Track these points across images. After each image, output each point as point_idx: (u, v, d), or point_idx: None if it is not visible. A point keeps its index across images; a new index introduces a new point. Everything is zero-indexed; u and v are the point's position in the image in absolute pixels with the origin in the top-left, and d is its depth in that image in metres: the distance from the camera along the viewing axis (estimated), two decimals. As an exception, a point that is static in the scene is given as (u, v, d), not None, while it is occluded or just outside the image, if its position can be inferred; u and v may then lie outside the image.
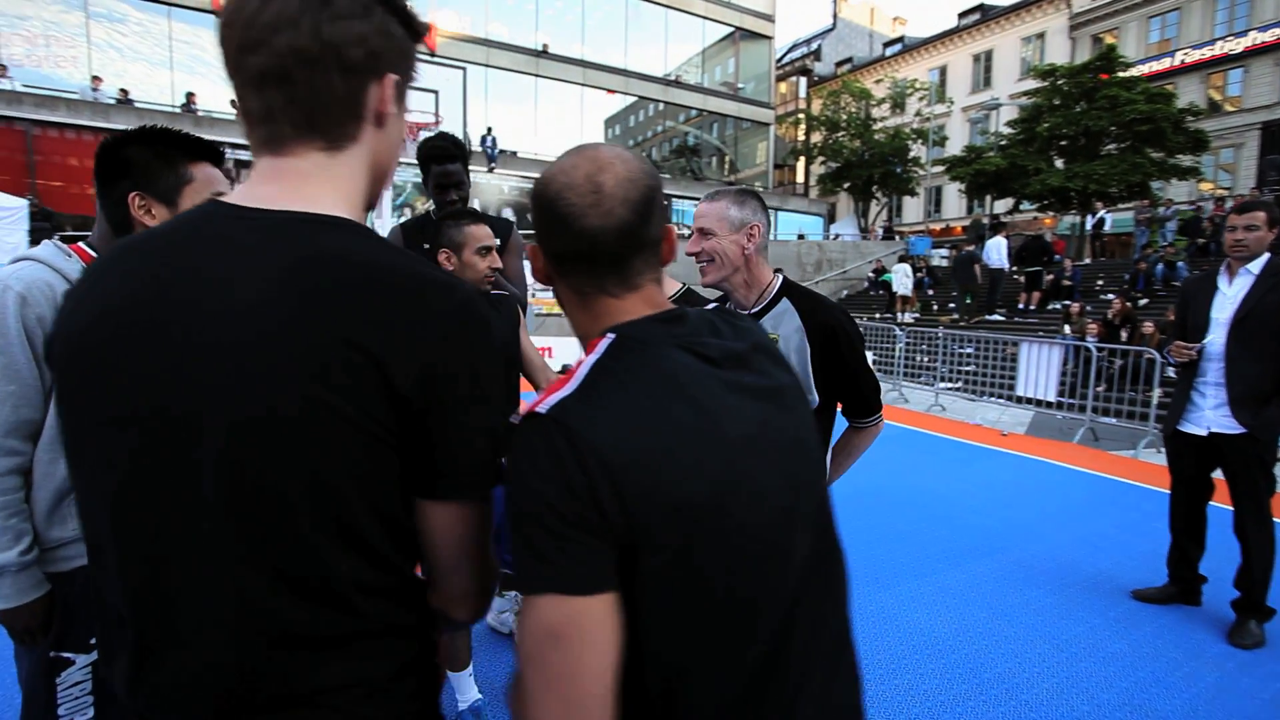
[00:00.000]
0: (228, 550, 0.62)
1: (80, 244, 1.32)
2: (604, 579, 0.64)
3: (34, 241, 10.27)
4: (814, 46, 38.48)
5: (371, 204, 0.77)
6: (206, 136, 1.32)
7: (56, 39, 16.69)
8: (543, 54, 23.11)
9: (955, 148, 25.03)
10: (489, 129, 20.63)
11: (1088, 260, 17.59)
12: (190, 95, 17.24)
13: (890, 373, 10.06)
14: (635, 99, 26.16)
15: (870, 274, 19.23)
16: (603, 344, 0.74)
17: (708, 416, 0.70)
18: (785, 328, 1.65)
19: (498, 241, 2.12)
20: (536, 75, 23.24)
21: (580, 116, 24.58)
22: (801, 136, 30.71)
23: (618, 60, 24.87)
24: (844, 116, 26.46)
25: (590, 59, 24.18)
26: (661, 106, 26.87)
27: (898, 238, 24.87)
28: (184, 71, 17.99)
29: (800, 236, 23.89)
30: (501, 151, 20.95)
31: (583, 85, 24.25)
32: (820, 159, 28.10)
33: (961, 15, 31.12)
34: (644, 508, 0.64)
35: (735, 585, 0.69)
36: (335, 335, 0.60)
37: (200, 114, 17.06)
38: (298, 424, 0.60)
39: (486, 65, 21.96)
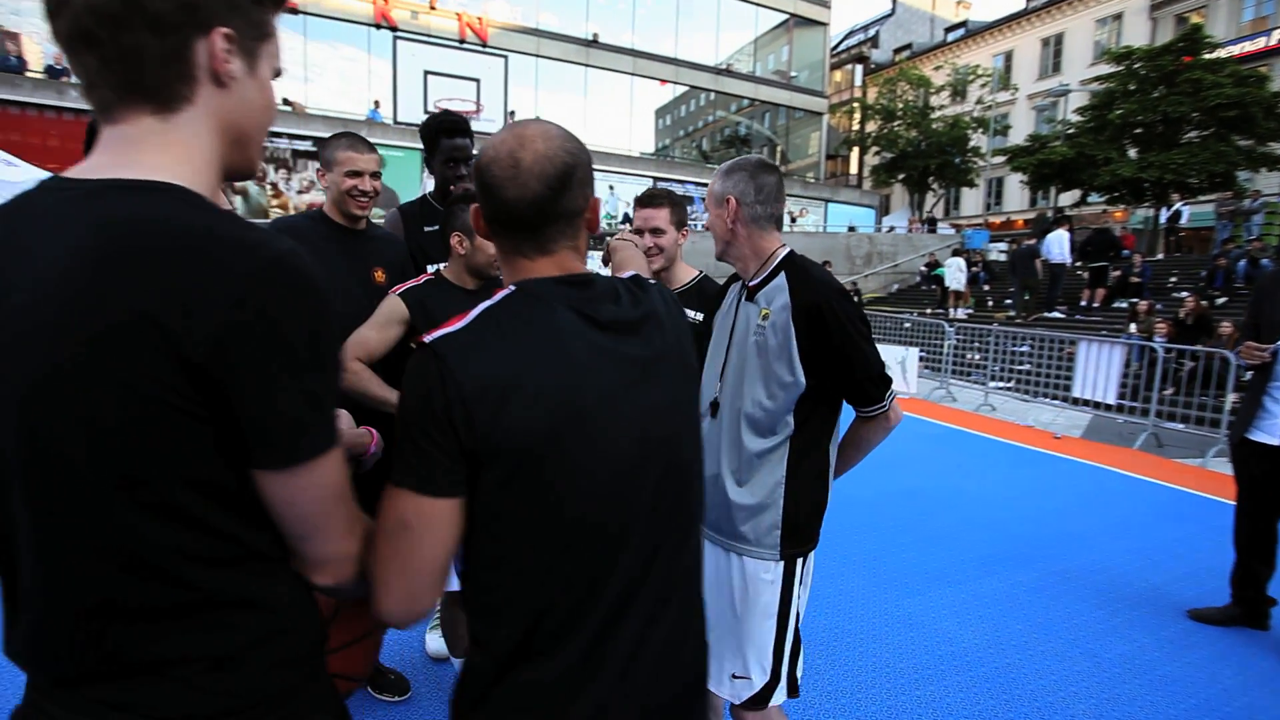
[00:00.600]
0: (42, 519, 0.62)
1: None
2: (450, 487, 0.78)
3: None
4: (871, 33, 37.29)
5: (240, 172, 0.75)
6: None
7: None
8: (593, 43, 23.05)
9: (1018, 137, 23.87)
10: (537, 118, 20.65)
11: (1160, 256, 16.54)
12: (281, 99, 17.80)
13: (938, 370, 9.67)
14: (687, 89, 25.86)
15: (922, 268, 18.57)
16: (501, 294, 0.86)
17: (568, 367, 0.81)
18: (775, 304, 1.54)
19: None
20: (586, 65, 23.20)
21: (630, 106, 24.46)
22: (856, 126, 29.85)
23: (668, 49, 24.62)
24: (900, 105, 25.54)
25: (640, 48, 24.00)
26: (713, 96, 26.49)
27: (954, 230, 23.93)
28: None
29: (850, 229, 23.25)
30: (549, 141, 20.99)
31: (632, 75, 24.09)
32: (874, 149, 27.24)
33: (1031, -4, 29.59)
34: (489, 433, 0.76)
35: (564, 513, 0.81)
36: (125, 303, 0.58)
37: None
38: (79, 391, 0.59)
39: (537, 55, 21.99)
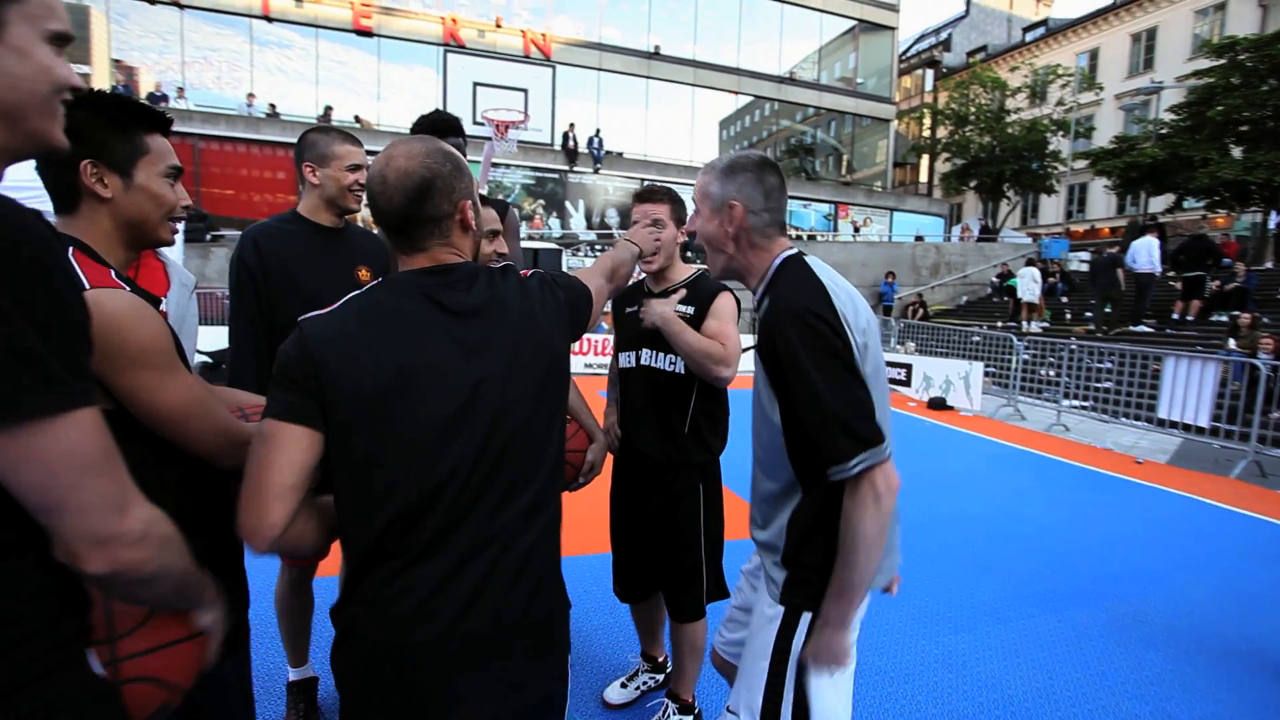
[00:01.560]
0: None
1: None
2: (300, 417, 0.99)
3: (189, 239, 11.63)
4: (943, 36, 36.00)
5: (31, 145, 0.75)
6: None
7: (227, 63, 18.85)
8: (654, 55, 23.16)
9: (1103, 139, 22.42)
10: (597, 130, 20.94)
11: (1269, 265, 15.09)
12: (328, 109, 18.83)
13: (1006, 386, 9.07)
14: (751, 98, 25.62)
15: (994, 279, 17.61)
16: (369, 284, 1.11)
17: (404, 341, 1.03)
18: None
19: (500, 228, 1.98)
20: (648, 77, 23.33)
21: (691, 116, 24.41)
22: (925, 133, 28.78)
23: (730, 59, 24.47)
24: (973, 109, 24.45)
25: (702, 59, 23.96)
26: (777, 106, 26.13)
27: (1030, 239, 22.62)
28: (327, 86, 19.69)
29: (918, 238, 22.35)
30: (608, 152, 21.22)
31: (694, 86, 24.05)
32: (945, 155, 26.17)
33: (1119, -9, 27.83)
34: (329, 387, 0.99)
35: (388, 457, 1.00)
36: None
37: (334, 124, 18.61)
38: None
39: (599, 69, 22.30)
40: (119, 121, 1.13)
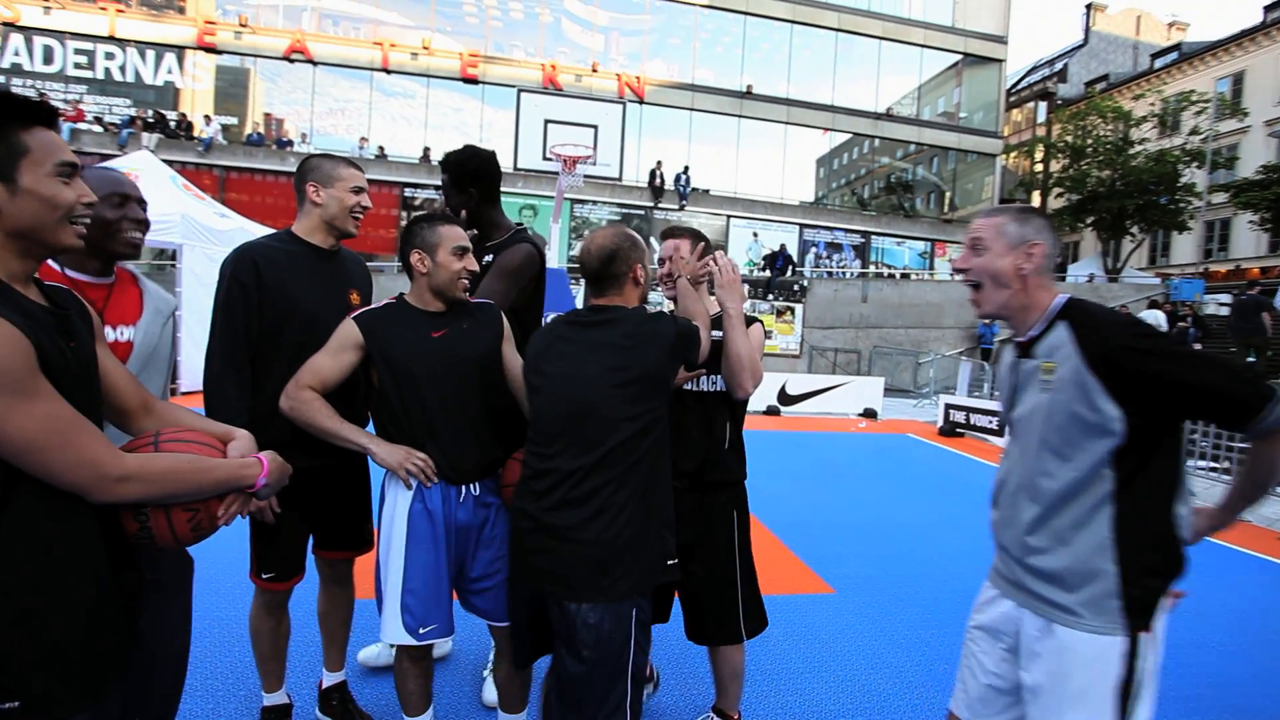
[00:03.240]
0: None
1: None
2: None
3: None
4: (1058, 67, 34.02)
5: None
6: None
7: (350, 111, 20.72)
8: (747, 95, 23.29)
9: (1248, 169, 20.14)
10: (685, 168, 21.19)
11: None
12: (427, 149, 20.23)
13: (1120, 441, 8.06)
14: (849, 136, 25.18)
15: (1114, 322, 15.97)
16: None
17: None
18: (1059, 355, 1.40)
19: (470, 245, 1.94)
20: (740, 116, 23.47)
21: (783, 154, 24.24)
22: (1038, 167, 27.06)
23: (824, 97, 24.21)
24: (1090, 141, 22.73)
25: (795, 97, 23.86)
26: (876, 143, 25.49)
27: (1159, 280, 20.47)
28: (435, 130, 21.16)
29: (1025, 277, 20.77)
30: (694, 189, 21.37)
31: (786, 124, 23.94)
32: (1058, 191, 24.41)
33: (1271, 8, 25.28)
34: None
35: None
36: None
37: (434, 163, 19.93)
38: None
39: (691, 109, 22.72)
40: None
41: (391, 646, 2.16)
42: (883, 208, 25.07)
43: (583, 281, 1.90)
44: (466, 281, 1.90)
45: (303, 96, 20.37)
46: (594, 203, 20.82)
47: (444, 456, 1.85)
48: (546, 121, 6.65)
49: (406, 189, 19.55)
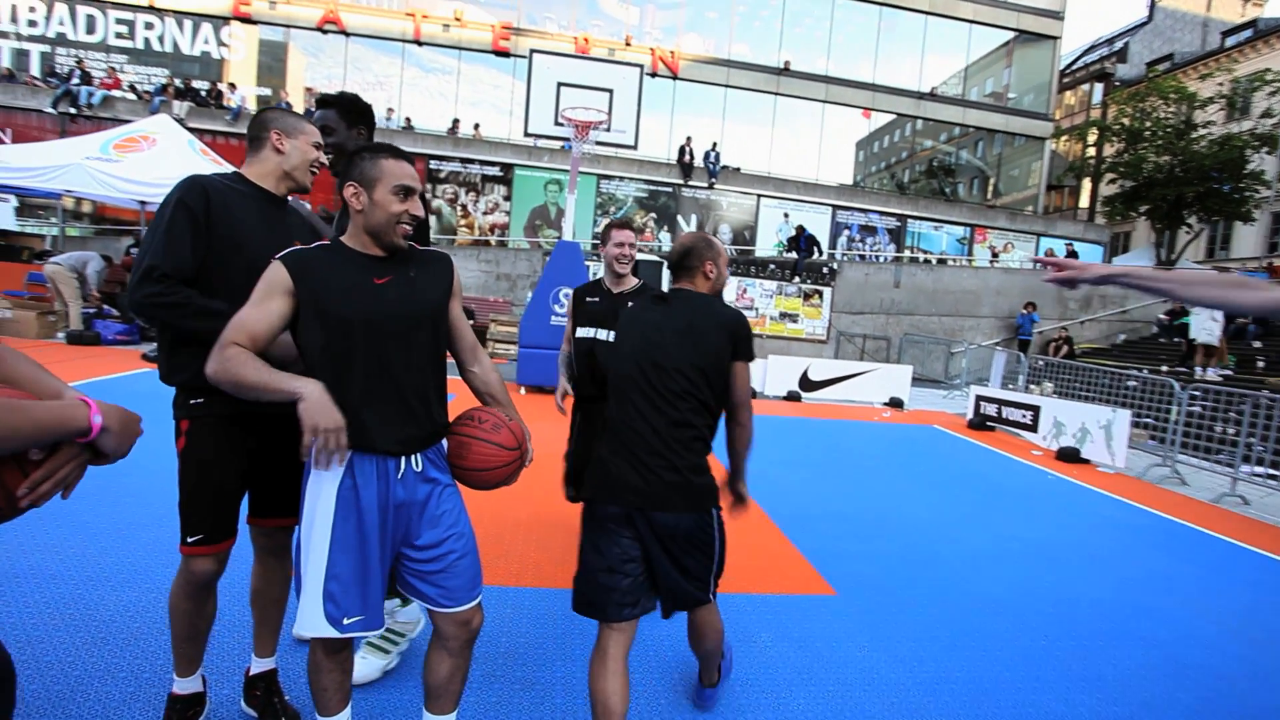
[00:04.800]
0: None
1: None
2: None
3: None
4: (1117, 46, 32.21)
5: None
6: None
7: (386, 85, 20.64)
8: (784, 71, 22.54)
9: (1324, 158, 18.75)
10: (714, 145, 20.68)
11: None
12: (456, 121, 20.08)
13: (1163, 441, 7.54)
14: (892, 117, 24.26)
15: (1161, 315, 15.14)
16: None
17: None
18: None
19: (420, 187, 1.70)
20: (776, 93, 22.76)
21: (820, 133, 23.47)
22: (1091, 151, 25.71)
23: (865, 75, 23.30)
24: (1148, 124, 21.42)
25: (834, 74, 23.01)
26: (919, 125, 24.52)
27: (1215, 273, 19.26)
28: (465, 104, 20.96)
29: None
30: (724, 167, 20.83)
31: (824, 102, 23.13)
32: (1110, 177, 23.15)
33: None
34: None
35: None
36: None
37: (459, 136, 19.74)
38: None
39: (726, 85, 22.10)
40: None
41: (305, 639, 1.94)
42: (922, 191, 24.15)
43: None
44: (408, 227, 1.66)
45: (338, 71, 20.36)
46: (620, 179, 20.44)
47: (381, 423, 1.61)
48: (560, 84, 6.34)
49: (432, 161, 19.40)
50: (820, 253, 17.51)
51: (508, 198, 19.94)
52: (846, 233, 21.94)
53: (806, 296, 16.64)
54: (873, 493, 5.48)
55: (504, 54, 20.58)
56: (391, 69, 20.66)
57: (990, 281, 17.72)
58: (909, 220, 22.46)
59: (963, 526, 4.76)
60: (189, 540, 1.82)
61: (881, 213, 22.11)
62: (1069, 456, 7.59)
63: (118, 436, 1.08)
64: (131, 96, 18.31)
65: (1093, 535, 4.89)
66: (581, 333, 3.09)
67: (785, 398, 10.82)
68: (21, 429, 0.95)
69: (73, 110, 17.12)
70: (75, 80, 17.47)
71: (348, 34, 20.03)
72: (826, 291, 16.72)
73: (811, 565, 3.74)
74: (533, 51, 6.61)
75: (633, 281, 3.16)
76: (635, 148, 7.15)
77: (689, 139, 20.51)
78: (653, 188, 20.75)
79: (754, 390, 10.22)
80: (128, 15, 19.31)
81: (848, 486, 5.61)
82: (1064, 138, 27.16)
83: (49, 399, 1.06)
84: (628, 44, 21.06)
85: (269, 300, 1.58)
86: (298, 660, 2.32)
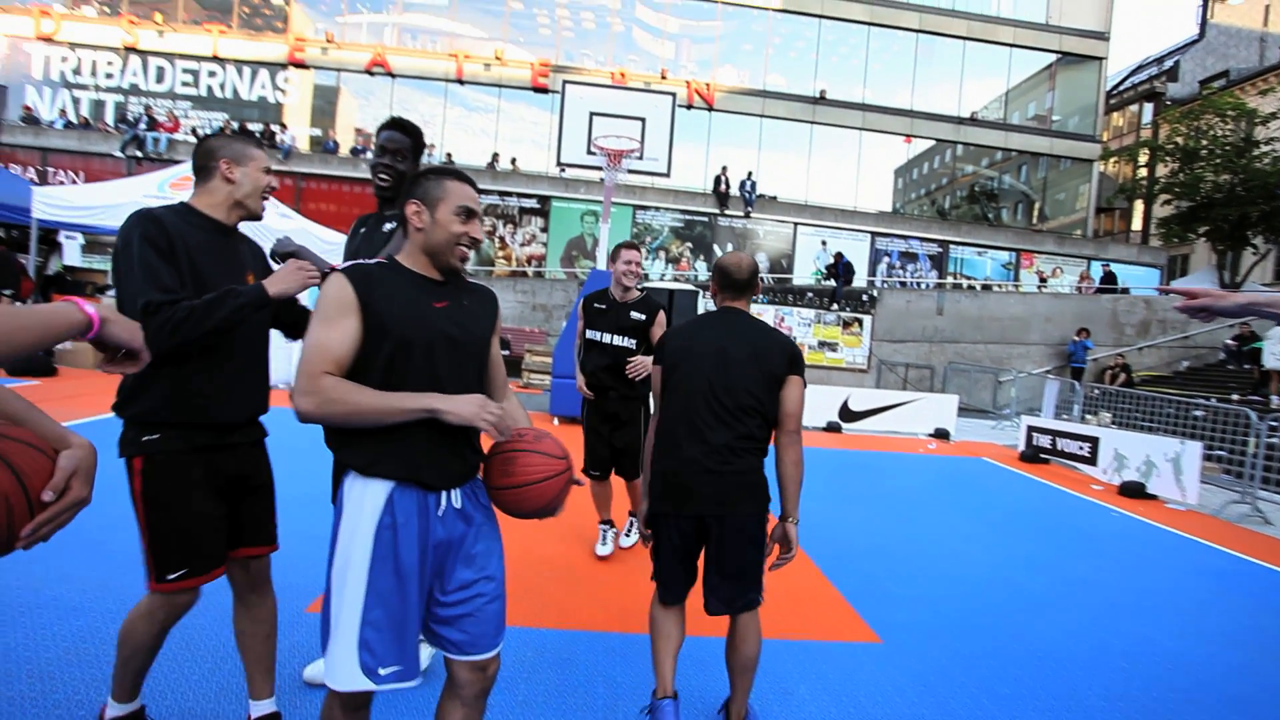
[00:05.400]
0: None
1: None
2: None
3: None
4: (1167, 65, 31.32)
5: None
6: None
7: (428, 123, 21.38)
8: (819, 100, 22.55)
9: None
10: (749, 174, 20.69)
11: None
12: (495, 155, 20.58)
13: (1240, 475, 7.00)
14: (931, 143, 23.98)
15: (1229, 341, 14.29)
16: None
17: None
18: None
19: (483, 205, 1.72)
20: (812, 122, 22.75)
21: (858, 160, 23.30)
22: (1142, 172, 24.85)
23: (903, 101, 23.13)
24: (1204, 142, 20.59)
25: (871, 102, 22.91)
26: (959, 150, 24.16)
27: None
28: (505, 140, 21.50)
29: (1123, 290, 19.00)
30: (761, 196, 20.80)
31: (861, 129, 23.02)
32: (1165, 198, 22.27)
33: None
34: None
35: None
36: None
37: (499, 170, 20.21)
38: None
39: (762, 115, 22.20)
40: None
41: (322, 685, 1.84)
42: (964, 217, 23.63)
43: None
44: (467, 250, 1.61)
45: (385, 111, 21.19)
46: (656, 209, 20.57)
47: (429, 454, 1.52)
48: (592, 114, 6.38)
49: (472, 195, 19.88)
50: (851, 280, 17.21)
51: (545, 229, 20.24)
52: (886, 260, 21.55)
53: (846, 325, 16.30)
54: (920, 529, 5.18)
55: (542, 90, 21.10)
56: (435, 108, 21.39)
57: (1039, 307, 17.08)
58: (951, 246, 21.97)
59: (1019, 567, 4.43)
60: (168, 577, 1.74)
61: (922, 239, 21.68)
62: (1134, 492, 7.10)
63: (115, 325, 1.10)
64: (192, 139, 19.36)
65: (1167, 579, 4.50)
66: (590, 334, 3.78)
67: (825, 428, 10.50)
68: (29, 328, 0.97)
69: (139, 154, 18.16)
70: (143, 126, 18.57)
71: (394, 75, 20.86)
72: (866, 319, 16.35)
73: (854, 609, 3.50)
74: (565, 82, 6.69)
75: (635, 294, 3.74)
76: (668, 175, 7.13)
77: (724, 168, 20.59)
78: (688, 217, 20.81)
79: (792, 420, 9.76)
80: (193, 65, 20.54)
81: (893, 523, 5.32)
82: (1113, 159, 26.35)
83: (48, 436, 1.03)
84: (663, 77, 21.39)
85: (343, 319, 1.49)
86: (298, 702, 2.22)
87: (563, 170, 19.29)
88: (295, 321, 2.03)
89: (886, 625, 3.32)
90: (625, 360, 3.65)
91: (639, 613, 3.07)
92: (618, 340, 3.69)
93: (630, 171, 6.44)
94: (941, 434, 10.62)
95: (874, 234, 21.50)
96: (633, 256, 3.66)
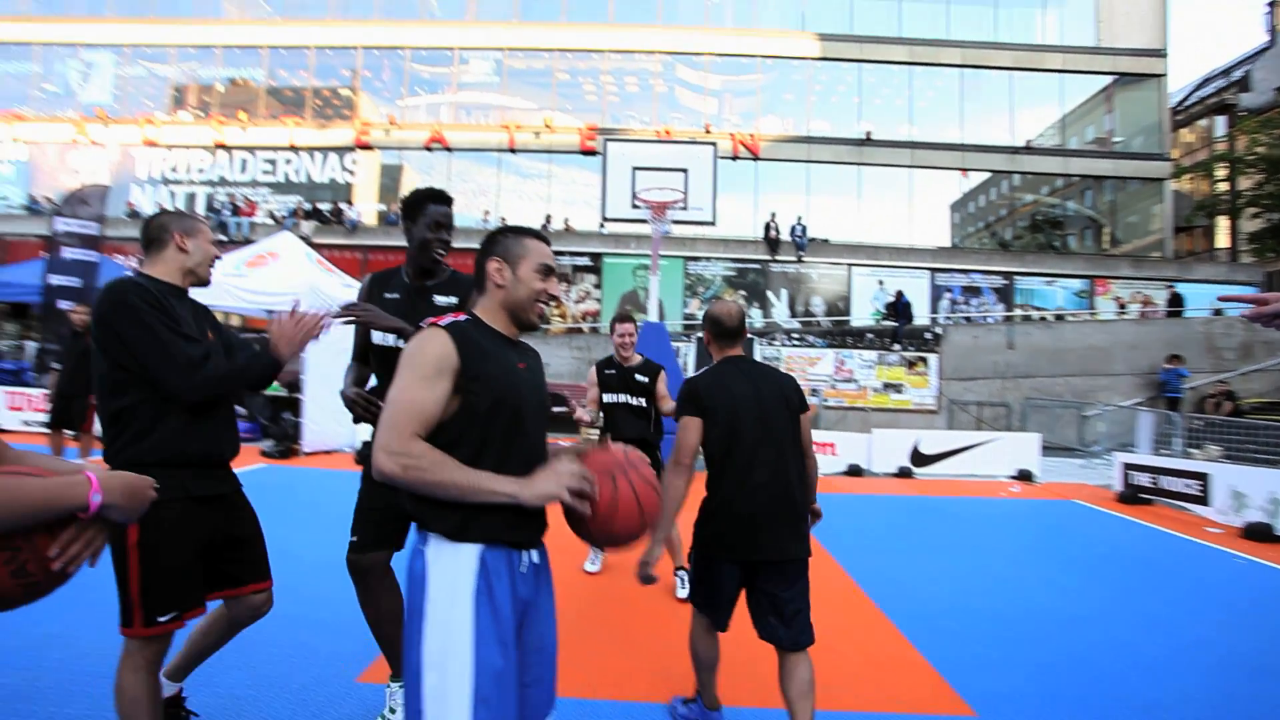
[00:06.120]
0: None
1: None
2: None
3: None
4: (1236, 75, 29.88)
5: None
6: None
7: (484, 193, 22.46)
8: (866, 142, 22.51)
9: None
10: (798, 218, 20.64)
11: None
12: (548, 217, 21.31)
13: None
14: (988, 175, 23.48)
15: (1350, 363, 12.97)
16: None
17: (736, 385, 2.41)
18: None
19: (558, 265, 1.76)
20: (860, 164, 22.68)
21: (909, 198, 22.97)
22: (1222, 187, 23.48)
23: (952, 136, 22.83)
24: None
25: (920, 139, 22.70)
26: (1016, 180, 23.53)
27: None
28: (557, 202, 22.28)
29: (1217, 312, 17.64)
30: (812, 239, 20.65)
31: (911, 167, 22.78)
32: (1252, 211, 20.86)
33: None
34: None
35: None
36: None
37: (551, 230, 20.86)
38: None
39: (808, 161, 22.31)
40: None
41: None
42: (1028, 246, 22.74)
43: (696, 337, 3.51)
44: (544, 306, 1.62)
45: (443, 183, 22.39)
46: (707, 259, 20.66)
47: (519, 512, 1.46)
48: (635, 169, 6.47)
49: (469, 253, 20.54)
50: (912, 318, 16.64)
51: (598, 285, 20.61)
52: (948, 295, 20.84)
53: (910, 364, 15.69)
54: (1010, 583, 4.73)
55: (591, 153, 21.86)
56: (490, 178, 22.47)
57: (1121, 335, 16.05)
58: (1016, 277, 21.08)
59: (1128, 624, 3.95)
60: (160, 620, 1.82)
61: (984, 272, 20.92)
62: (1259, 534, 6.34)
63: (124, 508, 1.11)
64: (270, 221, 20.87)
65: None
66: (607, 398, 4.29)
67: (896, 474, 9.96)
68: (15, 506, 0.96)
69: (224, 237, 19.66)
70: (226, 213, 20.18)
71: (450, 149, 22.09)
72: (931, 358, 15.70)
73: (942, 677, 3.16)
74: (606, 140, 6.84)
75: (637, 359, 4.33)
76: (714, 223, 7.13)
77: (773, 214, 20.62)
78: (740, 265, 20.81)
79: (860, 467, 9.46)
80: (272, 154, 22.38)
81: (978, 575, 4.89)
82: (1187, 176, 25.05)
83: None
84: (707, 131, 21.86)
85: (440, 380, 1.44)
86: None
87: (601, 226, 19.80)
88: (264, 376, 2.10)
89: (981, 696, 2.96)
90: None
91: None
92: (632, 400, 4.26)
93: (675, 222, 6.45)
94: (1025, 475, 9.90)
95: (933, 270, 20.89)
96: (625, 329, 4.26)
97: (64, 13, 23.16)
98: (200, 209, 21.78)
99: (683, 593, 4.06)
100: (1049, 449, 11.38)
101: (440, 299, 2.44)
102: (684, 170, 6.49)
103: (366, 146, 22.21)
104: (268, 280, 8.38)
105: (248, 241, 17.87)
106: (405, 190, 22.55)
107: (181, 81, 23.32)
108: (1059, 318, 20.12)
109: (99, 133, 22.50)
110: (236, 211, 20.34)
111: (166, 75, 23.38)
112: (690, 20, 22.76)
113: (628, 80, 23.07)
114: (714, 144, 6.91)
